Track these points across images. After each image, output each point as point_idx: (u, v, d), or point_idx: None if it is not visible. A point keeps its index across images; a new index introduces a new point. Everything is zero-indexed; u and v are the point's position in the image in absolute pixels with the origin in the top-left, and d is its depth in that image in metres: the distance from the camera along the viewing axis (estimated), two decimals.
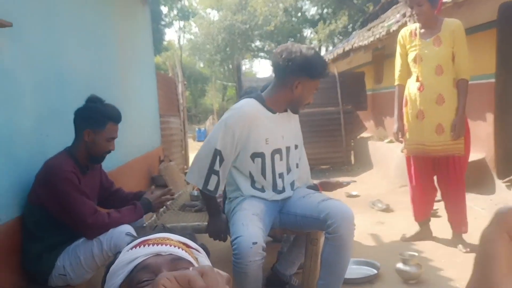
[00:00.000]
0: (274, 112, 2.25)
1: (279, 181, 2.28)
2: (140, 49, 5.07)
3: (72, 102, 2.93)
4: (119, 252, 0.85)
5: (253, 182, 2.26)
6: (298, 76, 2.16)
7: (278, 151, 2.27)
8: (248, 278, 1.95)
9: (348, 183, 2.70)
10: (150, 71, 5.59)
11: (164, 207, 2.76)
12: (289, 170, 2.33)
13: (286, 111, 2.31)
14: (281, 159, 2.28)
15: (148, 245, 0.78)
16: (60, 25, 2.90)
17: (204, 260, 0.84)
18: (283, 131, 2.29)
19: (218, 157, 2.16)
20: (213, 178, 2.18)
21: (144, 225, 2.54)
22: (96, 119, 2.24)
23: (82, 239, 2.19)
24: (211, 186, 2.19)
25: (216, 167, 2.17)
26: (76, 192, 2.13)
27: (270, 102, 2.25)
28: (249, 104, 2.23)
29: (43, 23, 2.65)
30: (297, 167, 2.40)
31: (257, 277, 1.99)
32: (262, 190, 2.26)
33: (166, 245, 0.78)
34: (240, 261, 1.92)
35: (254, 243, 1.92)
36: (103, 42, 3.81)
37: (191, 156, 9.45)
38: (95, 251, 2.14)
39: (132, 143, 3.96)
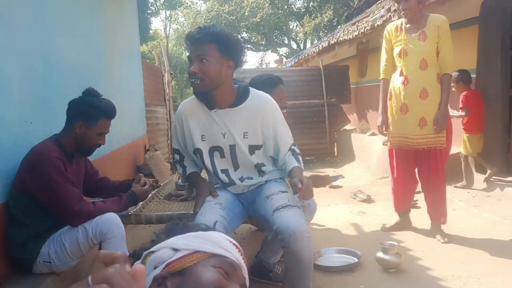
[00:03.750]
0: (211, 108, 2.13)
1: (222, 176, 2.23)
2: (126, 38, 5.03)
3: (58, 90, 2.92)
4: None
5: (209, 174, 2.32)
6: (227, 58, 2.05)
7: (217, 148, 2.18)
8: None
9: (337, 177, 2.74)
10: (136, 60, 5.55)
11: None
12: (236, 167, 2.23)
13: (235, 105, 2.13)
14: (221, 157, 2.20)
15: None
16: (47, 12, 2.86)
17: None
18: (225, 128, 2.14)
19: (178, 156, 2.35)
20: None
21: (130, 213, 2.55)
22: (90, 113, 2.23)
23: (68, 226, 2.19)
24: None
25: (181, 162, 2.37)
26: (63, 179, 2.12)
27: (214, 97, 2.09)
28: (186, 101, 2.27)
29: (30, 10, 2.62)
30: (257, 166, 2.22)
31: None
32: (216, 182, 2.30)
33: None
34: None
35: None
36: (90, 30, 3.77)
37: None
38: (80, 238, 2.14)
39: (117, 132, 3.94)
